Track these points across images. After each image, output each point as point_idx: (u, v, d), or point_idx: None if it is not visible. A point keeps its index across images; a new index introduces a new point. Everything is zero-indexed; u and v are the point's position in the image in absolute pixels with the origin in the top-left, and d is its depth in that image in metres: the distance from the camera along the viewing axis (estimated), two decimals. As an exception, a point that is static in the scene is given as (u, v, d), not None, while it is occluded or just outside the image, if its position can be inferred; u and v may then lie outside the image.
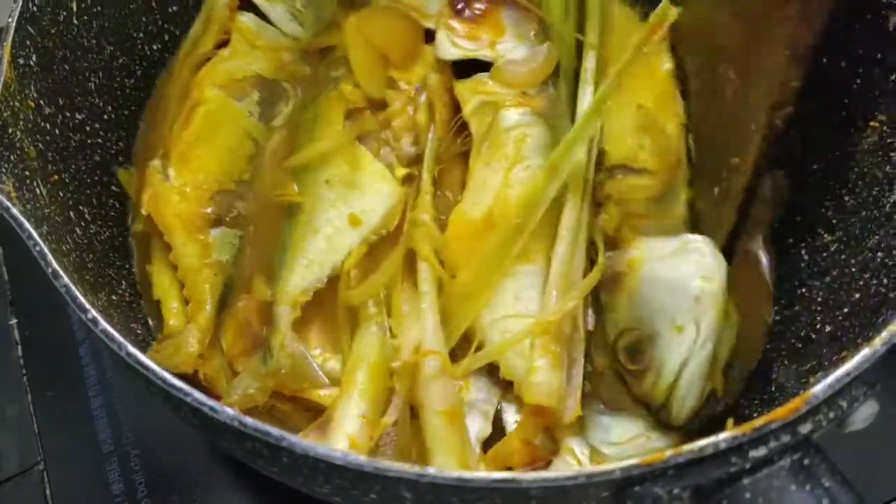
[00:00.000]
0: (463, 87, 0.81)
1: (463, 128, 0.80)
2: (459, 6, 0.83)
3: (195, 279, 0.72)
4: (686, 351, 0.65)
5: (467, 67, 0.82)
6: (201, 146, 0.77)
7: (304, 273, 0.72)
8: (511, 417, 0.70)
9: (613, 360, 0.70)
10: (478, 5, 0.83)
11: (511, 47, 0.81)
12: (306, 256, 0.73)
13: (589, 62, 0.79)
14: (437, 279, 0.71)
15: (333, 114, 0.80)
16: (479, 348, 0.69)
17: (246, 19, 0.85)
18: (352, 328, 0.72)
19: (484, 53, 0.81)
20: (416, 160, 0.79)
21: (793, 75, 0.65)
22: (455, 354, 0.69)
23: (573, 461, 0.65)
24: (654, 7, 0.75)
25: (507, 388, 0.71)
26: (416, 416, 0.66)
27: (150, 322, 0.75)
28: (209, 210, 0.75)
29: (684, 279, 0.67)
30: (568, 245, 0.71)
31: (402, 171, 0.78)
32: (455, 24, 0.82)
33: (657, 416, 0.68)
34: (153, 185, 0.75)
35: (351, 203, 0.75)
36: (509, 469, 0.64)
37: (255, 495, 0.78)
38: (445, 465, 0.63)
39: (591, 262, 0.73)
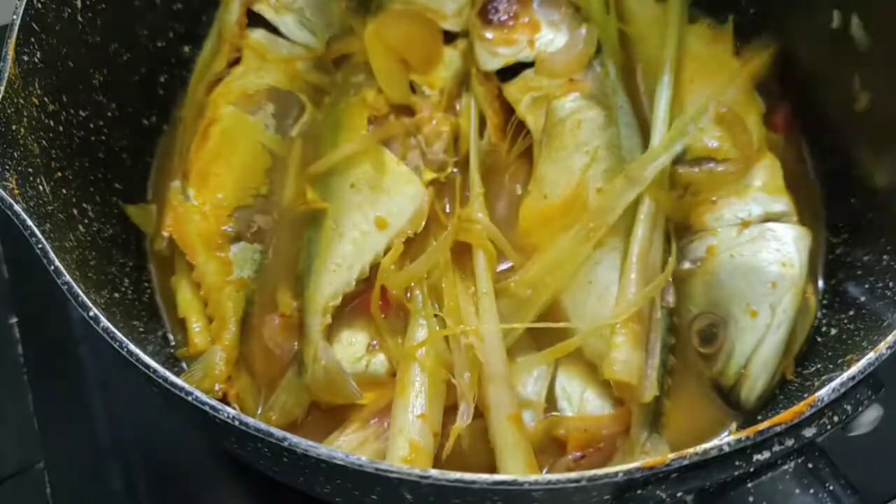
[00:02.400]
0: (512, 88, 0.81)
1: (520, 128, 0.80)
2: (490, 14, 0.82)
3: (218, 297, 0.72)
4: (759, 335, 0.67)
5: (511, 67, 0.82)
6: (219, 164, 0.77)
7: (331, 279, 0.72)
8: (564, 403, 0.69)
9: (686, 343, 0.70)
10: (509, 6, 0.83)
11: (549, 40, 0.81)
12: (334, 261, 0.73)
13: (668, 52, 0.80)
14: (494, 270, 0.71)
15: (356, 119, 0.79)
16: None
17: (257, 35, 0.84)
18: (396, 326, 0.72)
19: (525, 55, 0.81)
20: (447, 166, 0.79)
21: None
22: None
23: (636, 452, 0.65)
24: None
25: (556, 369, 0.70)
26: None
27: (171, 336, 0.75)
28: (229, 227, 0.75)
29: (762, 265, 0.69)
30: (647, 230, 0.71)
31: (429, 175, 0.78)
32: (489, 34, 0.82)
33: (727, 398, 0.69)
34: (174, 207, 0.75)
35: (377, 206, 0.75)
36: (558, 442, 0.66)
37: (254, 493, 0.78)
38: (515, 468, 0.63)
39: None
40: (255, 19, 0.85)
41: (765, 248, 0.70)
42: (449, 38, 0.85)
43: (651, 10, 0.84)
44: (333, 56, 0.86)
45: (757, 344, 0.67)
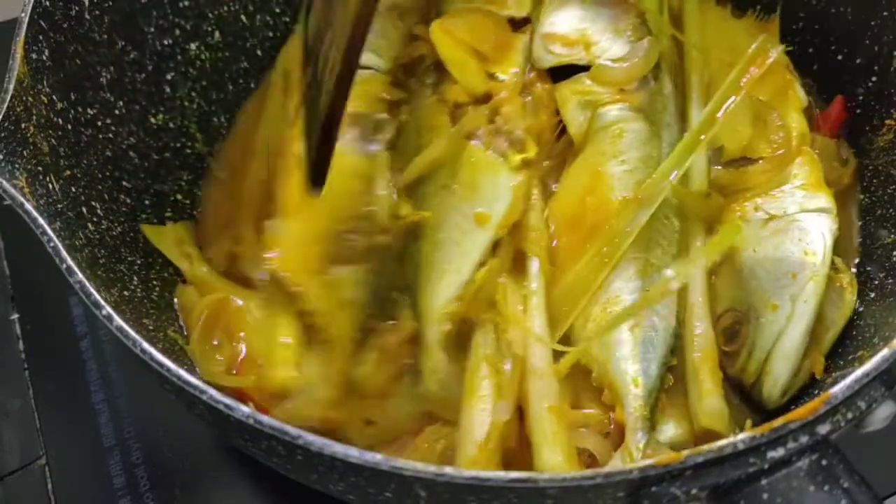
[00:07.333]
0: (564, 89, 0.80)
1: (566, 130, 0.79)
2: None
3: (327, 321, 0.71)
4: (778, 328, 0.66)
5: (566, 68, 0.81)
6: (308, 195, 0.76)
7: (443, 284, 0.71)
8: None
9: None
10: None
11: (607, 46, 0.80)
12: (440, 267, 0.72)
13: (694, 69, 0.79)
14: (547, 277, 0.71)
15: (437, 119, 0.78)
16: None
17: None
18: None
19: (580, 57, 0.81)
20: (529, 145, 0.77)
21: None
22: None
23: (628, 456, 0.64)
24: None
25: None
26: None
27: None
28: (329, 251, 0.74)
29: (784, 255, 0.68)
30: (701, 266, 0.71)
31: (517, 157, 0.76)
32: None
33: (749, 396, 0.68)
34: (275, 244, 0.74)
35: (474, 202, 0.74)
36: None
37: (256, 488, 0.78)
38: (551, 460, 0.63)
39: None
40: None
41: (788, 238, 0.69)
42: (517, 25, 0.84)
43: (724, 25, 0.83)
44: (403, 62, 0.85)
45: (777, 338, 0.66)
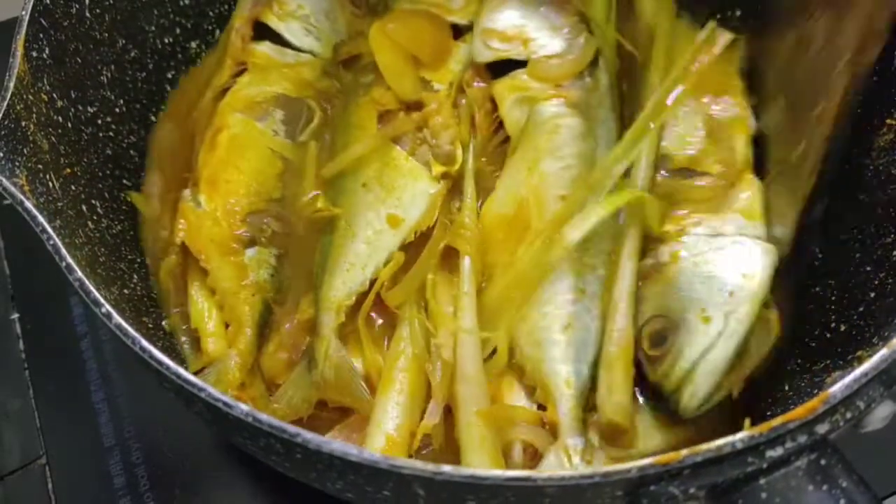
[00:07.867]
0: (500, 86, 0.81)
1: (503, 127, 0.80)
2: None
3: (233, 302, 0.72)
4: (709, 341, 0.66)
5: (504, 66, 0.81)
6: (229, 171, 0.77)
7: (345, 278, 0.72)
8: None
9: (636, 345, 0.69)
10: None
11: (545, 42, 0.80)
12: (347, 260, 0.73)
13: (653, 73, 0.79)
14: (478, 277, 0.71)
15: (366, 119, 0.79)
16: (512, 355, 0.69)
17: (263, 48, 0.84)
18: (388, 330, 0.72)
19: (517, 52, 0.81)
20: (456, 159, 0.78)
21: (880, 15, 0.65)
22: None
23: (565, 458, 0.64)
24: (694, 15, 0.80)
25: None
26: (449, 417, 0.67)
27: (185, 350, 0.74)
28: (242, 231, 0.75)
29: (723, 273, 0.68)
30: (633, 265, 0.71)
31: (439, 169, 0.77)
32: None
33: (665, 405, 0.68)
34: (186, 215, 0.75)
35: (389, 204, 0.75)
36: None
37: (256, 488, 0.78)
38: (478, 463, 0.63)
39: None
40: (260, 31, 0.85)
41: (728, 256, 0.69)
42: (458, 32, 0.85)
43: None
44: (342, 58, 0.85)
45: (705, 350, 0.66)
